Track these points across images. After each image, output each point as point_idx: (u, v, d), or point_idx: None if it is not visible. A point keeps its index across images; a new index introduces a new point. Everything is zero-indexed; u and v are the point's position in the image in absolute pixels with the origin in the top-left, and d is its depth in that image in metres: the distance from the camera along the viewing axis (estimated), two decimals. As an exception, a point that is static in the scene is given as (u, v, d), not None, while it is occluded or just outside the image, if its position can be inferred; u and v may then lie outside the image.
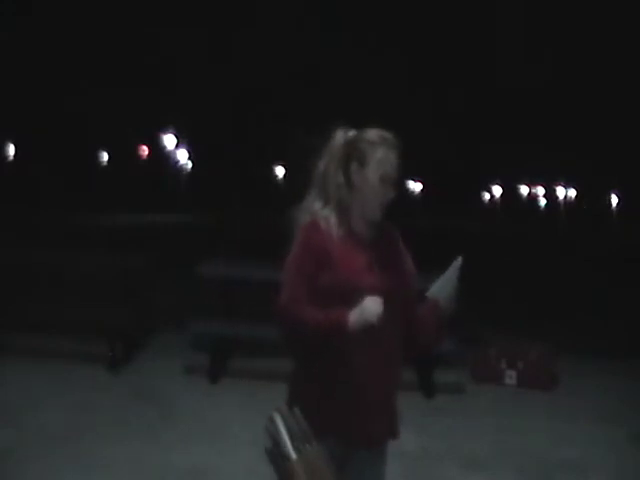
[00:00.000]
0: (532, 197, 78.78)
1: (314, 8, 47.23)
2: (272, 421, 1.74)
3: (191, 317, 6.60)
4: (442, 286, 2.45)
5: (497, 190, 75.82)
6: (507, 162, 59.88)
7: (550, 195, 77.94)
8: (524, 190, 77.95)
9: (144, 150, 50.03)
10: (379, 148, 2.41)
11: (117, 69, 40.92)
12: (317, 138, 2.48)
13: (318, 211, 2.42)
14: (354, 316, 2.25)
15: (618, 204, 71.94)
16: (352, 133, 2.47)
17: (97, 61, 39.99)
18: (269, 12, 45.97)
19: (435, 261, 2.57)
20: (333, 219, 2.41)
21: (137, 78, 41.44)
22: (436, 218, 40.92)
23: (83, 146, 43.35)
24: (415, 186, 68.26)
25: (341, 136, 2.47)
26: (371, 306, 2.25)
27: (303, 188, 2.49)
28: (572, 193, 76.77)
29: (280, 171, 58.02)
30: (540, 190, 78.43)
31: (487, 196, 76.39)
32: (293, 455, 1.71)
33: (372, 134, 2.45)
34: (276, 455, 1.73)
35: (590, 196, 69.88)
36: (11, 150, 43.71)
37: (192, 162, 50.96)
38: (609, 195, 73.18)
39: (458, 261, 2.44)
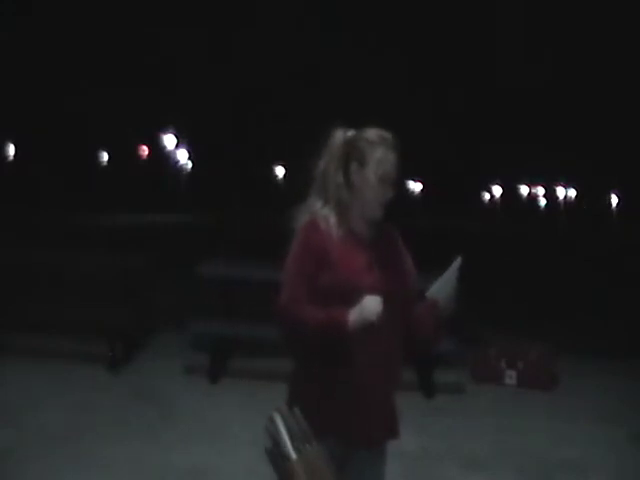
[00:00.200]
0: (532, 197, 78.79)
1: (314, 8, 47.27)
2: (272, 421, 1.74)
3: (191, 317, 6.60)
4: (441, 286, 2.45)
5: (497, 190, 75.83)
6: (507, 162, 59.90)
7: (550, 195, 77.94)
8: (524, 190, 77.96)
9: (144, 150, 50.03)
10: (378, 148, 2.41)
11: (117, 69, 40.94)
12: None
13: (318, 211, 2.42)
14: (354, 315, 2.25)
15: (618, 204, 71.94)
16: (351, 133, 2.48)
17: (97, 61, 40.01)
18: (269, 12, 45.99)
19: (435, 261, 2.57)
20: (333, 219, 2.41)
21: (137, 78, 41.46)
22: (436, 218, 40.91)
23: (83, 146, 43.36)
24: (415, 186, 68.25)
25: (341, 136, 2.47)
26: (370, 305, 2.25)
27: (303, 188, 2.49)
28: (572, 193, 76.77)
29: (280, 171, 58.03)
30: (540, 190, 78.44)
31: (487, 196, 76.39)
32: (293, 455, 1.71)
33: (371, 134, 2.45)
34: (276, 455, 1.73)
35: (590, 196, 69.87)
36: (11, 150, 43.72)
37: (192, 162, 50.96)
38: (609, 195, 73.19)
39: (457, 261, 2.44)
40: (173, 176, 48.15)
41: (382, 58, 48.79)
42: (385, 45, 50.40)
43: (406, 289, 2.47)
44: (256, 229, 20.83)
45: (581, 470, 4.69)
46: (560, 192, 77.31)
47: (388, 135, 2.45)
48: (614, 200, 73.11)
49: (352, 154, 2.43)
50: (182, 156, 50.66)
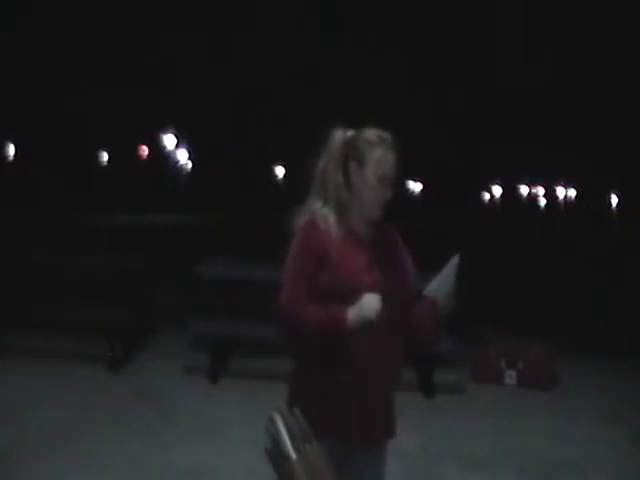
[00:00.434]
0: (532, 197, 78.79)
1: (314, 8, 47.27)
2: (272, 421, 1.74)
3: (191, 317, 6.60)
4: (440, 284, 2.44)
5: (497, 190, 75.83)
6: (507, 162, 59.90)
7: (550, 195, 77.95)
8: (524, 190, 77.96)
9: (144, 150, 50.04)
10: (377, 148, 2.41)
11: (117, 69, 40.94)
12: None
13: (317, 211, 2.42)
14: (353, 313, 2.25)
15: (618, 204, 71.94)
16: (350, 133, 2.48)
17: (97, 61, 40.01)
18: (269, 12, 45.99)
19: (435, 261, 2.57)
20: (332, 219, 2.41)
21: (137, 78, 41.46)
22: (436, 218, 40.90)
23: (83, 146, 43.36)
24: (415, 186, 68.25)
25: (340, 136, 2.47)
26: (370, 303, 2.25)
27: (303, 188, 2.49)
28: (572, 193, 76.77)
29: (280, 171, 58.03)
30: (540, 190, 78.44)
31: (487, 196, 76.40)
32: (293, 455, 1.71)
33: (370, 134, 2.45)
34: (276, 455, 1.73)
35: (590, 196, 69.87)
36: (11, 150, 43.72)
37: (192, 162, 50.96)
38: (609, 195, 73.19)
39: (455, 259, 2.44)
40: (173, 176, 48.15)
41: (382, 58, 48.81)
42: (385, 45, 50.42)
43: (406, 289, 2.47)
44: (256, 229, 20.83)
45: (581, 470, 4.69)
46: (560, 192, 77.33)
47: (387, 135, 2.45)
48: (614, 200, 73.11)
49: (351, 154, 2.43)
50: (182, 156, 50.66)
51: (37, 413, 5.05)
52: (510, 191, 74.64)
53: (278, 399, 2.20)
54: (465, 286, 2.48)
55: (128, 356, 6.52)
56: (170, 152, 49.60)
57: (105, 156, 48.96)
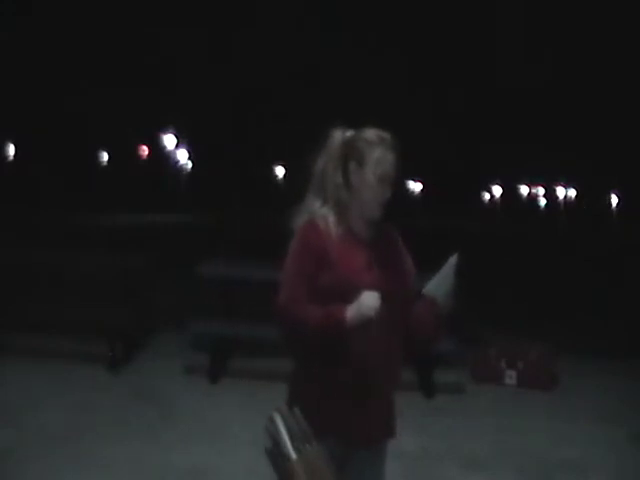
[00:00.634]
0: (532, 197, 78.79)
1: (314, 8, 47.27)
2: (272, 421, 1.74)
3: (191, 317, 6.60)
4: (439, 283, 2.44)
5: (497, 190, 75.82)
6: (507, 162, 59.90)
7: (550, 195, 77.94)
8: (524, 190, 77.95)
9: (144, 150, 50.04)
10: (377, 148, 2.41)
11: (117, 69, 40.94)
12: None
13: (316, 211, 2.42)
14: (352, 311, 2.26)
15: (618, 204, 71.94)
16: (350, 133, 2.48)
17: (97, 61, 40.00)
18: (269, 12, 45.98)
19: (435, 261, 2.57)
20: (332, 218, 2.41)
21: (137, 78, 41.46)
22: (436, 218, 40.90)
23: (83, 146, 43.36)
24: (415, 186, 68.25)
25: (339, 136, 2.47)
26: (368, 300, 2.25)
27: (303, 188, 2.49)
28: (572, 193, 76.77)
29: (280, 171, 58.02)
30: (540, 190, 78.44)
31: (487, 196, 76.39)
32: (293, 455, 1.71)
33: (370, 134, 2.45)
34: (276, 455, 1.73)
35: (590, 196, 69.87)
36: (11, 150, 43.72)
37: (192, 162, 50.96)
38: (609, 195, 73.18)
39: (454, 257, 2.44)
40: (173, 176, 48.15)
41: (382, 58, 48.80)
42: (385, 45, 50.42)
43: (406, 289, 2.47)
44: (256, 229, 20.83)
45: (581, 470, 4.69)
46: (560, 192, 77.32)
47: (387, 135, 2.45)
48: (614, 200, 73.11)
49: (351, 154, 2.43)
50: (182, 156, 50.66)
51: (37, 413, 5.05)
52: (510, 191, 74.63)
53: (278, 399, 2.20)
54: (465, 286, 2.47)
55: (128, 356, 6.52)
56: (170, 152, 49.60)
57: (105, 156, 48.96)
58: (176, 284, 9.36)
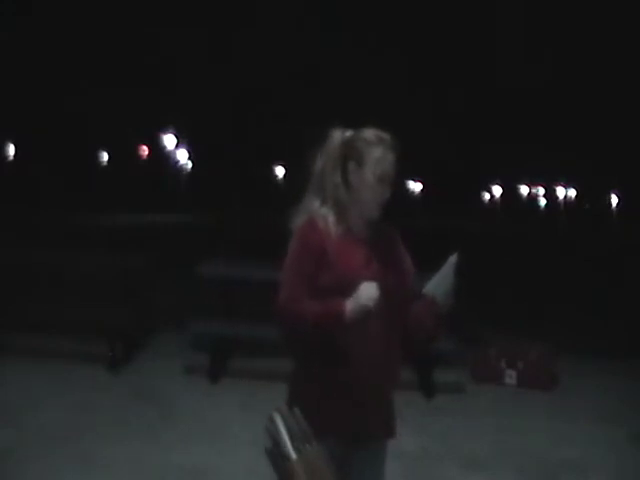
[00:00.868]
0: (532, 197, 78.79)
1: (314, 8, 47.26)
2: (272, 421, 1.74)
3: (191, 317, 6.60)
4: (438, 283, 2.44)
5: (497, 190, 75.83)
6: (507, 162, 59.91)
7: (550, 195, 77.95)
8: (524, 190, 77.96)
9: (144, 150, 50.04)
10: (376, 148, 2.41)
11: (117, 69, 40.93)
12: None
13: (316, 210, 2.43)
14: (351, 304, 2.26)
15: (618, 204, 71.95)
16: (349, 133, 2.48)
17: (97, 61, 39.99)
18: (269, 12, 45.98)
19: (435, 261, 2.57)
20: (331, 218, 2.41)
21: (137, 78, 41.45)
22: (436, 218, 40.88)
23: (83, 146, 43.35)
24: (415, 186, 68.25)
25: (338, 136, 2.47)
26: (367, 291, 2.26)
27: (303, 188, 2.49)
28: (572, 193, 76.78)
29: (280, 171, 58.02)
30: (540, 190, 78.44)
31: (487, 196, 76.39)
32: (293, 455, 1.70)
33: (369, 134, 2.45)
34: (276, 455, 1.73)
35: (590, 196, 69.89)
36: (11, 150, 43.72)
37: (192, 162, 50.96)
38: (609, 195, 73.19)
39: (454, 257, 2.44)
40: (173, 176, 48.15)
41: (382, 58, 48.80)
42: (385, 45, 50.42)
43: (405, 288, 2.47)
44: (256, 229, 20.83)
45: (581, 470, 4.69)
46: (560, 192, 77.33)
47: (386, 135, 2.45)
48: (614, 200, 73.12)
49: (350, 154, 2.43)
50: (182, 156, 50.66)
51: (37, 413, 5.05)
52: (510, 191, 74.64)
53: (278, 399, 2.20)
54: (465, 286, 2.48)
55: (128, 356, 6.52)
56: (170, 152, 49.60)
57: (105, 156, 48.95)
58: (176, 284, 9.36)
